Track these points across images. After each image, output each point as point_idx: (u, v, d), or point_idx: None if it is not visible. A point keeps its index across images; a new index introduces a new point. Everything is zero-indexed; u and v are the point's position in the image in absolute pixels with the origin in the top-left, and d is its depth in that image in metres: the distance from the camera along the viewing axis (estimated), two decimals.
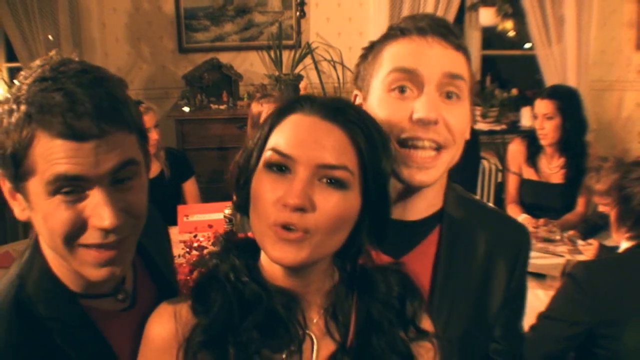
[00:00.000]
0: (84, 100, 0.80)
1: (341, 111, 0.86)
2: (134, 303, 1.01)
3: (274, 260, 0.85)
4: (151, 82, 4.58)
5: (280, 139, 0.85)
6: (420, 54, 1.02)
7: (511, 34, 4.68)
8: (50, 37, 4.37)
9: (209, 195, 3.58)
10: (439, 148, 1.01)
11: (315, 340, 0.90)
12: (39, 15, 4.31)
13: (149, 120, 2.96)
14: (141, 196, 0.91)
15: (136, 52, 4.52)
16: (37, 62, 0.87)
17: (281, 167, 0.84)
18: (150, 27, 4.53)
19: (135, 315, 0.98)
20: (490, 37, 4.80)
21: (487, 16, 4.41)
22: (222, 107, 4.27)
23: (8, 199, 0.90)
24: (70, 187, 0.82)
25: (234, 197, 0.94)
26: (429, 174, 1.02)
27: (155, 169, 3.13)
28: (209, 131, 4.15)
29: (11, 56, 4.60)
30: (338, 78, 4.48)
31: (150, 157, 0.98)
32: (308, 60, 4.43)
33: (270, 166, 0.84)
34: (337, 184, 0.84)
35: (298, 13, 3.97)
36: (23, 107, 0.81)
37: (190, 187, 3.33)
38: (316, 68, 4.41)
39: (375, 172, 0.87)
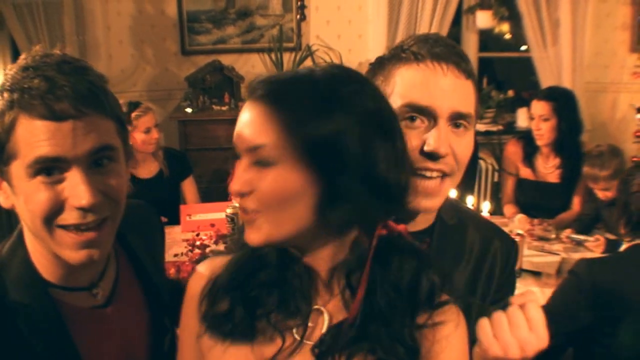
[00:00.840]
0: (63, 85, 0.83)
1: (263, 85, 0.84)
2: (110, 302, 1.00)
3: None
4: (154, 84, 4.58)
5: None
6: (435, 87, 1.00)
7: (507, 36, 4.69)
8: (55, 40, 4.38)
9: (210, 195, 3.58)
10: (444, 176, 1.02)
11: (325, 315, 0.89)
12: (45, 19, 4.32)
13: (148, 120, 2.98)
14: (119, 180, 0.92)
15: (140, 55, 4.52)
16: (22, 55, 0.91)
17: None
18: (154, 30, 4.53)
19: (109, 314, 0.98)
20: (487, 39, 4.80)
21: (483, 19, 4.41)
22: (224, 108, 4.27)
23: None
24: (50, 168, 0.84)
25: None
26: (434, 201, 1.03)
27: (154, 168, 3.14)
28: (211, 132, 4.15)
29: (16, 58, 4.59)
30: None
31: (129, 146, 1.00)
32: (308, 62, 4.42)
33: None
34: (262, 163, 0.82)
35: (298, 16, 3.97)
36: (7, 95, 0.85)
37: (189, 185, 3.33)
38: None
39: (313, 139, 0.80)
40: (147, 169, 3.12)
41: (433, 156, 0.99)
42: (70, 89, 0.84)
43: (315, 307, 0.89)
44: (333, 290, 0.89)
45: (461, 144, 1.03)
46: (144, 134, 2.97)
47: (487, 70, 4.83)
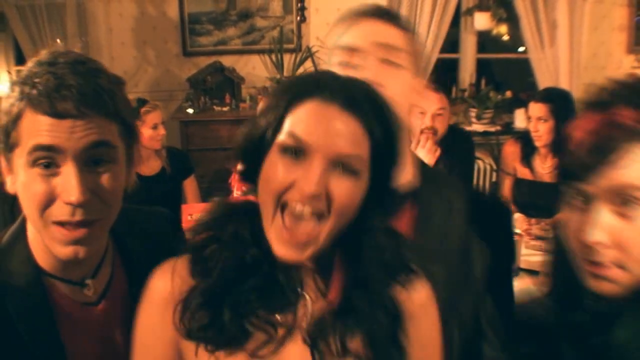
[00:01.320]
0: (71, 85, 0.86)
1: (359, 102, 0.85)
2: (101, 299, 1.01)
3: (277, 255, 0.84)
4: (156, 85, 4.58)
5: (298, 124, 0.83)
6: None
7: (505, 37, 4.68)
8: (58, 41, 4.38)
9: (212, 194, 3.58)
10: None
11: (309, 301, 0.90)
12: (48, 20, 4.33)
13: (156, 117, 3.00)
14: (114, 184, 0.92)
15: (142, 56, 4.52)
16: (43, 51, 0.93)
17: (297, 152, 0.82)
18: (155, 32, 4.53)
19: (98, 311, 0.99)
20: (485, 40, 4.80)
21: (482, 20, 4.41)
22: (225, 109, 4.28)
23: (3, 173, 0.95)
24: (47, 158, 0.86)
25: (239, 166, 0.92)
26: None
27: (156, 166, 3.15)
28: (212, 132, 4.15)
29: (20, 59, 4.61)
30: None
31: (134, 150, 1.00)
32: (308, 64, 4.42)
33: (286, 150, 0.83)
34: (351, 171, 0.83)
35: (299, 18, 3.97)
36: (19, 87, 0.88)
37: (190, 184, 3.34)
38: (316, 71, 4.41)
39: (386, 160, 0.88)
40: (150, 167, 3.13)
41: None
42: (76, 89, 0.86)
43: (302, 293, 0.90)
44: (315, 275, 0.91)
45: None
46: (151, 129, 2.99)
47: (485, 71, 4.83)
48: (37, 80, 0.87)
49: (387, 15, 1.22)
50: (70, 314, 0.96)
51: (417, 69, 1.20)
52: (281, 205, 0.83)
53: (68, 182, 0.86)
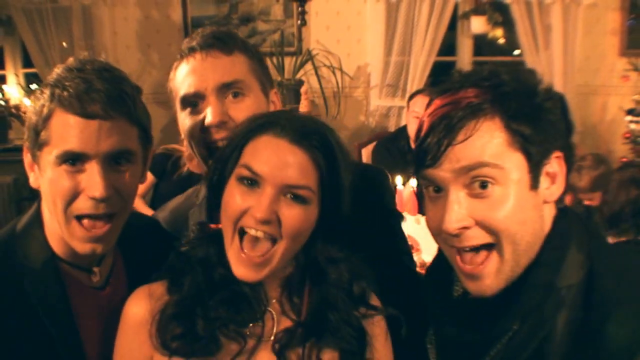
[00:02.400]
0: (99, 89, 0.93)
1: (307, 136, 0.92)
2: (106, 285, 1.08)
3: (236, 275, 0.91)
4: (160, 87, 4.57)
5: (252, 156, 0.92)
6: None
7: (501, 41, 4.69)
8: (64, 44, 4.39)
9: None
10: None
11: (275, 316, 0.96)
12: (54, 24, 4.33)
13: None
14: (132, 181, 1.01)
15: (146, 59, 4.53)
16: (71, 58, 1.01)
17: (251, 181, 0.90)
18: (159, 35, 4.54)
19: (103, 297, 1.06)
20: (481, 44, 4.80)
21: (478, 24, 4.42)
22: None
23: (27, 169, 1.01)
24: (74, 160, 0.93)
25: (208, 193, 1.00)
26: None
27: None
28: None
29: (27, 62, 4.61)
30: (337, 83, 4.48)
31: (149, 152, 1.08)
32: (309, 66, 4.44)
33: (242, 180, 0.91)
34: (300, 199, 0.90)
35: (299, 21, 3.97)
36: (50, 89, 0.95)
37: None
38: (316, 73, 4.41)
39: (334, 189, 0.94)
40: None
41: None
42: (103, 93, 0.93)
43: (268, 308, 0.96)
44: (282, 290, 0.98)
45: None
46: None
47: None
48: (67, 83, 0.93)
49: (217, 44, 1.19)
50: (81, 296, 1.02)
51: (262, 82, 1.24)
52: (239, 230, 0.91)
53: (93, 179, 0.93)
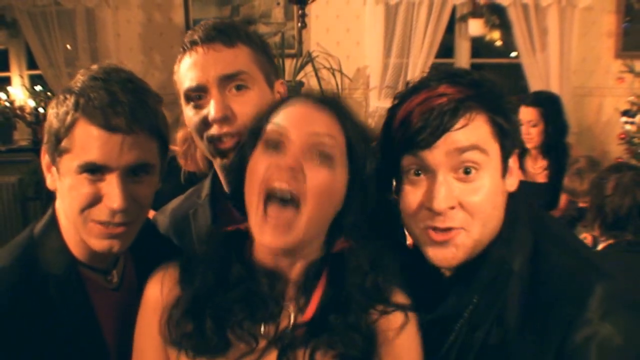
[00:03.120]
0: (123, 102, 0.93)
1: (332, 102, 0.92)
2: (120, 287, 1.09)
3: (264, 245, 0.87)
4: (163, 88, 4.54)
5: (278, 118, 0.90)
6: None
7: (498, 43, 4.69)
8: (68, 46, 4.40)
9: None
10: None
11: (292, 315, 0.92)
12: (58, 27, 4.34)
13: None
14: (149, 191, 1.01)
15: (149, 61, 4.53)
16: (94, 66, 1.01)
17: (277, 144, 0.87)
18: (162, 37, 4.54)
19: (118, 298, 1.07)
20: (479, 46, 4.80)
21: (475, 27, 4.42)
22: None
23: (44, 170, 1.01)
24: (94, 171, 0.94)
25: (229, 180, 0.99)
26: None
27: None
28: None
29: (32, 64, 4.61)
30: (337, 84, 4.48)
31: (166, 163, 1.08)
32: (309, 68, 4.43)
33: (268, 144, 0.88)
34: (326, 158, 0.87)
35: (299, 24, 3.97)
36: (74, 97, 0.94)
37: None
38: (316, 75, 4.41)
39: (359, 156, 0.92)
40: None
41: None
42: (127, 107, 0.93)
43: (284, 308, 0.92)
44: (299, 290, 0.93)
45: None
46: None
47: None
48: (92, 94, 0.93)
49: (218, 37, 1.15)
50: (99, 298, 1.02)
51: (267, 73, 1.19)
52: (265, 196, 0.86)
53: (112, 190, 0.93)
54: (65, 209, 0.99)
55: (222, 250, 0.94)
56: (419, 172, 0.95)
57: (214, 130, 1.14)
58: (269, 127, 0.89)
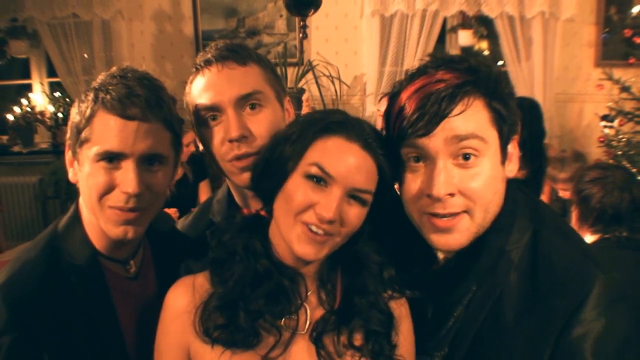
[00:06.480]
0: (139, 94, 0.95)
1: (374, 144, 0.90)
2: (138, 276, 1.09)
3: (297, 254, 0.88)
4: (173, 95, 4.59)
5: (323, 157, 0.88)
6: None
7: (486, 53, 4.70)
8: (85, 55, 4.42)
9: None
10: None
11: (308, 308, 0.94)
12: (76, 37, 4.36)
13: (187, 137, 3.07)
14: (163, 180, 1.01)
15: (160, 69, 4.54)
16: (114, 67, 1.03)
17: (319, 179, 0.87)
18: (173, 47, 4.56)
19: (136, 286, 1.08)
20: (468, 55, 4.80)
21: (465, 37, 4.43)
22: None
23: (67, 165, 1.03)
24: (111, 158, 0.95)
25: (255, 179, 0.98)
26: None
27: (180, 172, 3.21)
28: None
29: (51, 72, 4.64)
30: (335, 91, 4.50)
31: (180, 156, 1.08)
32: (309, 76, 4.44)
33: (310, 177, 0.88)
34: (361, 201, 0.89)
35: (301, 35, 3.98)
36: (94, 93, 0.97)
37: (204, 187, 3.47)
38: (317, 82, 4.43)
39: (386, 191, 0.93)
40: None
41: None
42: (143, 98, 0.95)
43: (304, 302, 0.93)
44: (318, 283, 0.96)
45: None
46: (184, 147, 3.03)
47: None
48: (110, 88, 0.95)
49: (231, 56, 1.11)
50: (118, 287, 1.03)
51: (277, 91, 1.14)
52: (302, 223, 0.88)
53: (127, 176, 0.94)
54: (85, 199, 1.00)
55: (250, 241, 0.94)
56: (419, 159, 0.91)
57: (234, 149, 1.09)
58: (312, 167, 0.87)
